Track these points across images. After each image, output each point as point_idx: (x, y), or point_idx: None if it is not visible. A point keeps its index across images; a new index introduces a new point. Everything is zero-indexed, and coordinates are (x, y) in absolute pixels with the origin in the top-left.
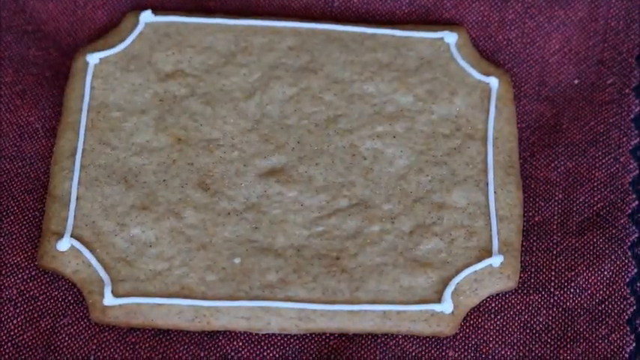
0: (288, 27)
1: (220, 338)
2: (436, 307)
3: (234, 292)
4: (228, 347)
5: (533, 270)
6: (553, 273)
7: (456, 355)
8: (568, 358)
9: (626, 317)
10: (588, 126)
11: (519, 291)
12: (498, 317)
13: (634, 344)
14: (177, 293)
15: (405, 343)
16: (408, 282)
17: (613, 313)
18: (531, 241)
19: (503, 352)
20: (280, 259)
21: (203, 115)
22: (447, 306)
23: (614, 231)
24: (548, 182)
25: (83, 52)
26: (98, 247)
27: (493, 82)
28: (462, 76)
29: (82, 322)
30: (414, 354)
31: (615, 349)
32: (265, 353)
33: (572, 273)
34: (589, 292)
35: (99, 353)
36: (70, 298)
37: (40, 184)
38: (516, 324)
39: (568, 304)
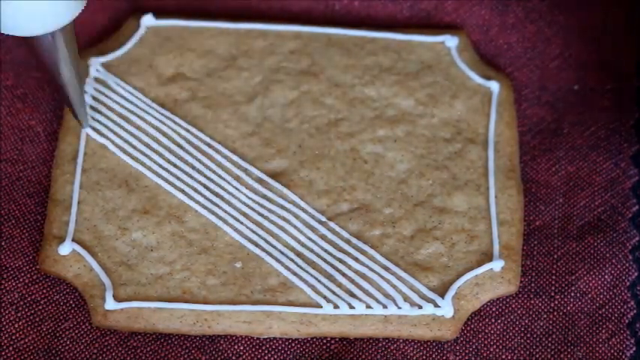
0: (289, 30)
1: (222, 342)
2: (437, 311)
3: (235, 296)
4: (229, 351)
5: (533, 274)
6: (554, 277)
7: (457, 359)
8: None
9: (627, 321)
10: (589, 131)
11: (520, 295)
12: (499, 321)
13: (634, 348)
14: (179, 297)
15: (406, 348)
16: (409, 286)
17: (613, 317)
18: (532, 245)
19: (504, 357)
20: (281, 263)
21: (204, 119)
22: (447, 310)
23: (614, 235)
24: (548, 186)
25: (84, 55)
26: (99, 251)
27: (494, 86)
28: (463, 80)
29: (83, 326)
30: (415, 358)
31: (615, 353)
32: (266, 357)
33: (573, 277)
34: (589, 296)
35: (100, 357)
36: (71, 302)
37: (41, 187)
38: (517, 328)
39: (569, 308)
